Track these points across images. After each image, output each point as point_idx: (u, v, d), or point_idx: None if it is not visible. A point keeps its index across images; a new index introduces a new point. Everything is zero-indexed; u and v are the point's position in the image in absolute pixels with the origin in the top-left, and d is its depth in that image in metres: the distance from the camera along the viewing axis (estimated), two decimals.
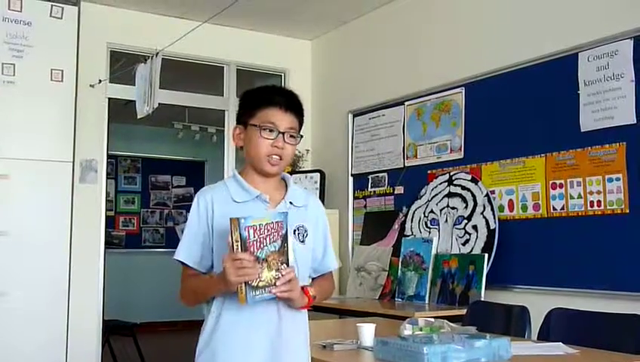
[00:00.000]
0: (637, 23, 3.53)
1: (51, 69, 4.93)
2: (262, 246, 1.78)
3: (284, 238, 1.82)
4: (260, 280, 1.78)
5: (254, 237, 1.77)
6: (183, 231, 2.01)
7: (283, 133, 1.96)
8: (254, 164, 1.99)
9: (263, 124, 1.96)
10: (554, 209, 3.90)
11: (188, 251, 1.96)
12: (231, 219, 1.78)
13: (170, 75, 5.21)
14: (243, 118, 2.02)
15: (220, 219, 1.94)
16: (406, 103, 5.07)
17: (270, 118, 1.96)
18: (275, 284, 1.80)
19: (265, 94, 2.02)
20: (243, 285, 1.76)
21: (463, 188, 4.40)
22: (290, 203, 2.01)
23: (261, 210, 1.94)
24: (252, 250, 1.77)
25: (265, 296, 1.80)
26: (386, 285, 4.75)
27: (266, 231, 1.79)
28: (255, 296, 1.78)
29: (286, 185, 2.06)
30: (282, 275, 1.81)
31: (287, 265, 1.83)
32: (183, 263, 1.97)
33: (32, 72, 4.84)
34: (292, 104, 2.01)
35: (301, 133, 2.04)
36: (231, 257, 1.77)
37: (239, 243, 1.76)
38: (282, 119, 1.97)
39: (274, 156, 1.96)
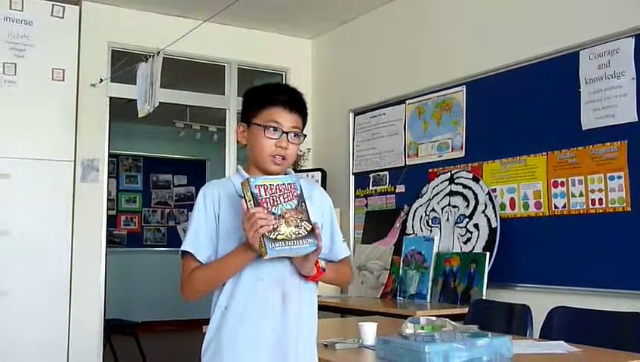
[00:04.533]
0: (638, 22, 3.53)
1: (52, 68, 4.94)
2: (276, 203, 1.80)
3: (300, 198, 1.83)
4: (279, 234, 1.78)
5: (266, 195, 1.79)
6: (184, 231, 2.00)
7: (287, 133, 1.96)
8: (258, 163, 1.99)
9: (267, 124, 1.95)
10: (555, 207, 3.90)
11: (196, 243, 1.93)
12: (242, 182, 1.82)
13: (172, 73, 5.22)
14: (246, 117, 2.01)
15: (226, 214, 1.94)
16: (407, 102, 5.07)
17: (274, 117, 1.96)
18: (295, 239, 1.79)
19: (269, 93, 2.01)
20: (262, 239, 1.76)
21: (465, 186, 4.40)
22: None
23: None
24: (265, 206, 1.78)
25: (285, 249, 1.78)
26: (388, 284, 4.75)
27: (277, 191, 1.81)
28: (275, 248, 1.77)
29: None
30: (307, 231, 1.80)
31: (309, 222, 1.82)
32: (190, 255, 1.93)
33: (33, 71, 4.85)
34: (296, 103, 2.00)
35: (304, 132, 2.04)
36: (245, 216, 1.77)
37: (251, 201, 1.78)
38: (286, 118, 1.96)
39: (278, 156, 1.96)
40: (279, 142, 1.95)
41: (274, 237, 1.77)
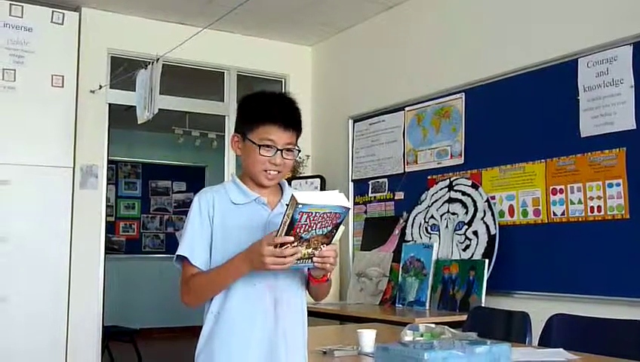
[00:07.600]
0: (636, 30, 3.54)
1: (52, 75, 4.94)
2: (309, 229, 1.77)
3: (336, 227, 1.82)
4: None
5: (305, 221, 1.74)
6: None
7: (281, 150, 1.96)
8: (251, 176, 2.00)
9: (262, 142, 1.94)
10: (554, 214, 3.90)
11: (192, 248, 1.94)
12: (292, 196, 1.73)
13: (171, 80, 5.22)
14: (241, 129, 2.00)
15: (220, 220, 1.95)
16: (406, 109, 5.08)
17: (269, 135, 1.94)
18: (309, 258, 1.81)
19: (264, 109, 1.99)
20: None
21: (464, 193, 4.41)
22: (286, 205, 2.01)
23: (260, 212, 1.96)
24: (297, 231, 1.75)
25: (293, 267, 1.81)
26: (387, 291, 4.75)
27: (320, 218, 1.76)
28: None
29: (282, 189, 2.07)
30: (321, 251, 1.82)
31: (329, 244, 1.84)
32: (187, 260, 1.94)
33: (32, 77, 4.86)
34: (292, 120, 1.99)
35: (300, 140, 2.03)
36: (269, 239, 1.77)
37: (286, 224, 1.74)
38: (281, 136, 1.95)
39: (271, 171, 1.97)
40: (273, 159, 1.95)
41: None
